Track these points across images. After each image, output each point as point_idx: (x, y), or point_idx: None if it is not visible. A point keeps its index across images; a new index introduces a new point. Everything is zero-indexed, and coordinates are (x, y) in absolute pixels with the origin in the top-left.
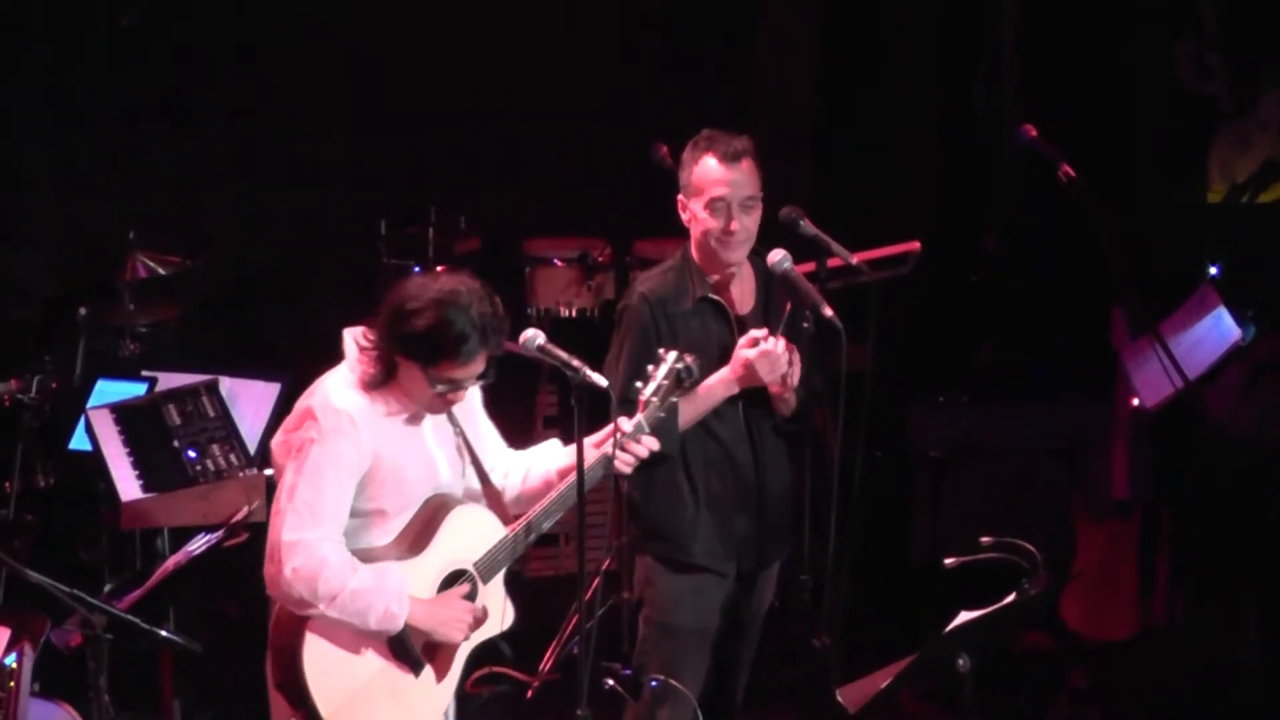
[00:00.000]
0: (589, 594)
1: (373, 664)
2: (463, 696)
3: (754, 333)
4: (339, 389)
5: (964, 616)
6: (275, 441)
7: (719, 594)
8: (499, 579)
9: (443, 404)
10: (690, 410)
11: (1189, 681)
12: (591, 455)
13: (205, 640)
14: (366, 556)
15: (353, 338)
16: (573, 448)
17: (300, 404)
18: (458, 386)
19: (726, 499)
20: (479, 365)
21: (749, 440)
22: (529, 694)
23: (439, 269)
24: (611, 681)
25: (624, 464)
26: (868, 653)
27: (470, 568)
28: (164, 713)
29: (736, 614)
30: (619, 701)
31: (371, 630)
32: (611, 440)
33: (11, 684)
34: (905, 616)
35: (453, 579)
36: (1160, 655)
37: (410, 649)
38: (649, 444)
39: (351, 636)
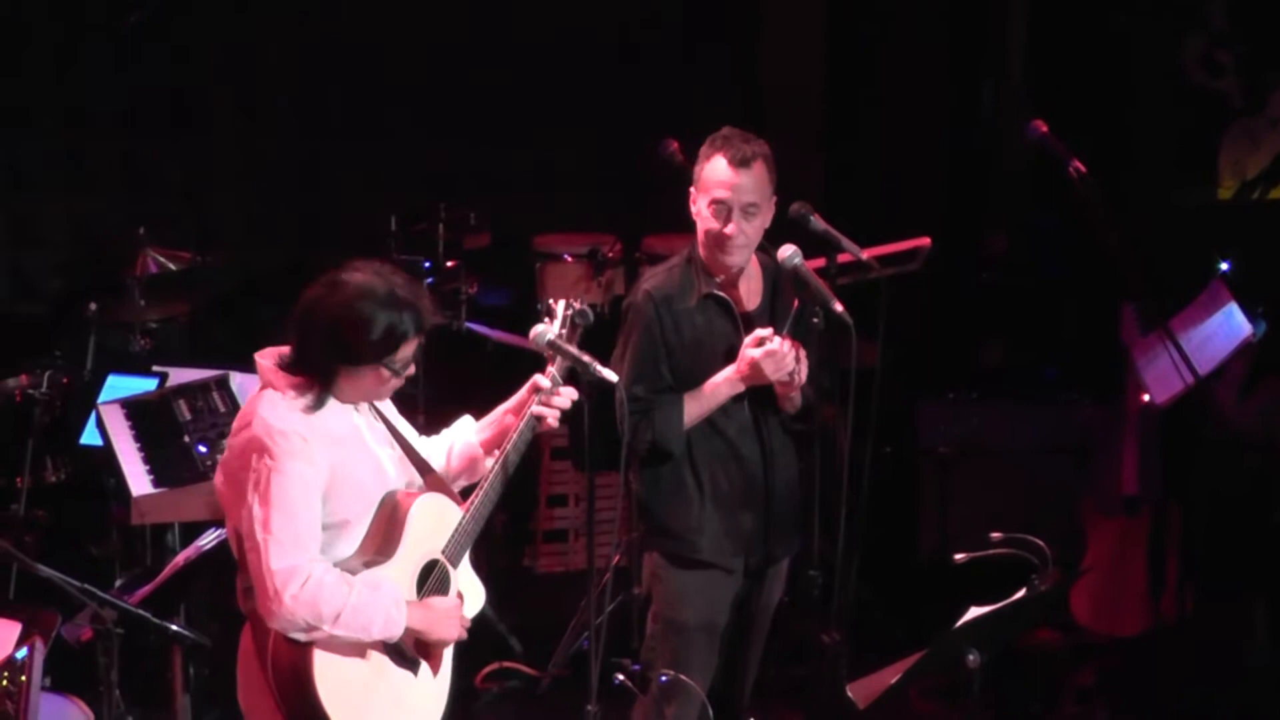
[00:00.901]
0: (598, 590)
1: (377, 674)
2: (473, 692)
3: (759, 332)
4: (277, 412)
5: (974, 612)
6: (217, 480)
7: (727, 589)
8: (466, 559)
9: (398, 385)
10: (696, 408)
11: (1197, 679)
12: (516, 421)
13: (215, 635)
14: (341, 569)
15: (272, 361)
16: (488, 419)
17: (238, 439)
18: (412, 361)
19: (733, 495)
20: (422, 334)
21: (756, 436)
22: (539, 689)
23: (331, 274)
24: (621, 677)
25: (552, 419)
26: (876, 649)
27: (440, 556)
28: (174, 707)
29: (745, 610)
30: (629, 697)
31: (374, 641)
32: (532, 400)
33: (23, 678)
34: (913, 613)
35: (427, 571)
36: (1168, 652)
37: (405, 651)
38: (569, 394)
39: (355, 653)
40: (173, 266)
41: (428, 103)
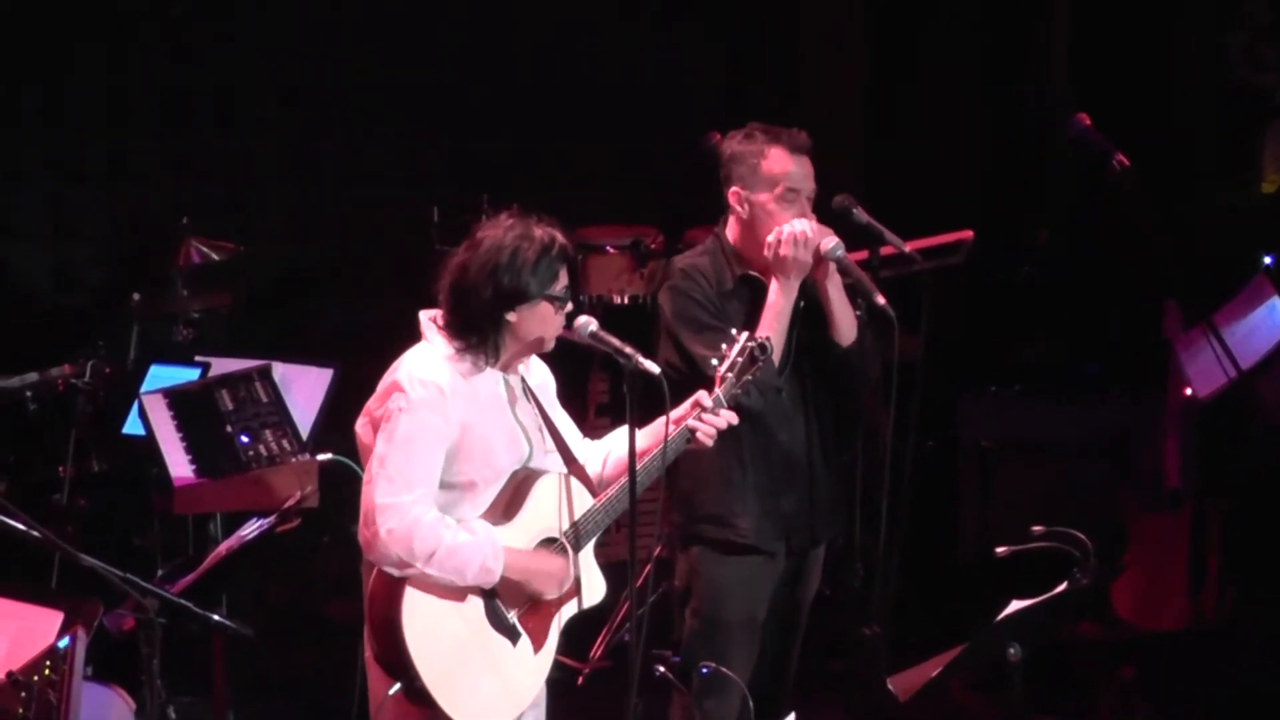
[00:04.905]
0: (640, 581)
1: (470, 631)
2: None
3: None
4: (426, 363)
5: (1015, 606)
6: (360, 424)
7: (767, 579)
8: (589, 550)
9: (561, 323)
10: (775, 335)
11: (1238, 675)
12: (671, 430)
13: (257, 625)
14: None
15: (430, 320)
16: (649, 428)
17: (384, 382)
18: (569, 294)
19: (774, 478)
20: (567, 262)
21: (800, 419)
22: (579, 681)
23: (465, 240)
24: (662, 669)
25: (706, 436)
26: (917, 642)
27: (560, 536)
28: (215, 696)
29: (784, 599)
30: (669, 689)
31: (469, 587)
32: (694, 412)
33: (65, 667)
34: (954, 606)
35: (543, 547)
36: (1209, 647)
37: (505, 617)
38: (728, 417)
39: (449, 604)
40: (216, 257)
41: (471, 94)
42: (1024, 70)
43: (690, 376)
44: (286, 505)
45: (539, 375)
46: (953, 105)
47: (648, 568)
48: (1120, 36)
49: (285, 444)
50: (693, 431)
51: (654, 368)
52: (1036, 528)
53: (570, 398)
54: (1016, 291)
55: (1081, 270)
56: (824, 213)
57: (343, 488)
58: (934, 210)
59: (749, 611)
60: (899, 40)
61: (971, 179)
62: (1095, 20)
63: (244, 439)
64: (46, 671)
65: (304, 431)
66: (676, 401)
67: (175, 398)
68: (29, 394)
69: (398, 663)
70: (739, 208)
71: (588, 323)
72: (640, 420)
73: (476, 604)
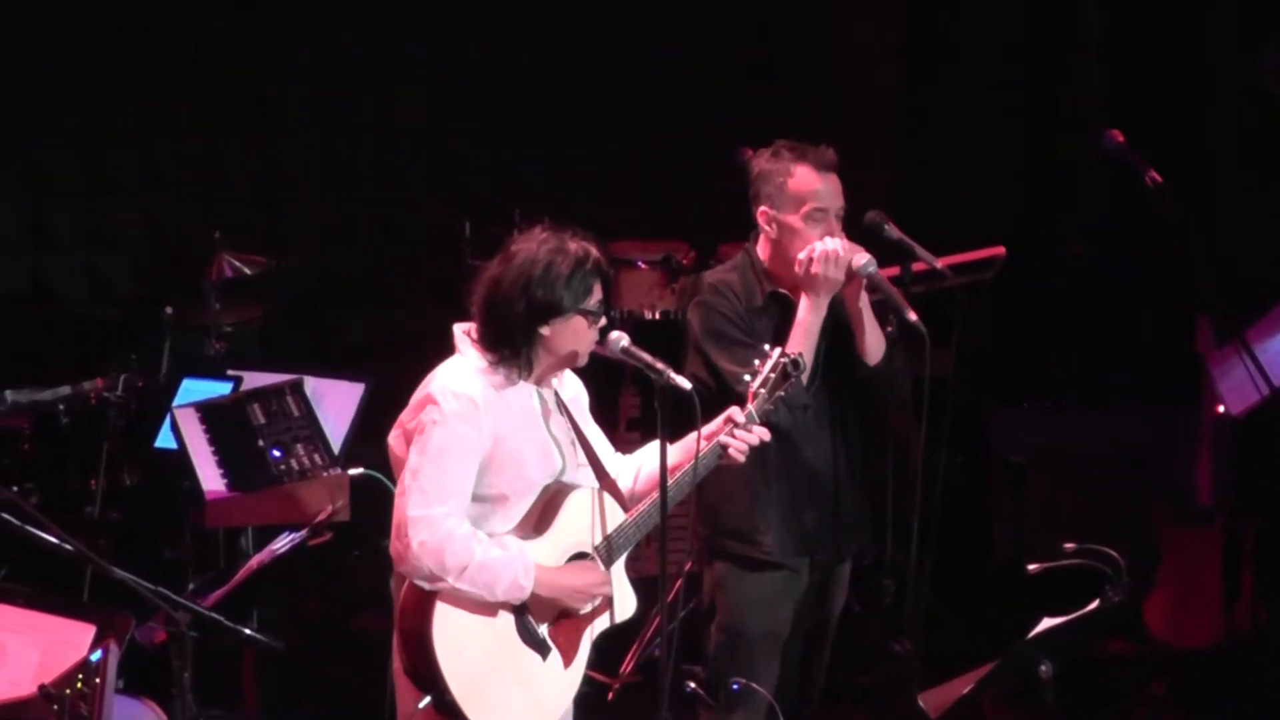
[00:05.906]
0: (670, 596)
1: (500, 645)
2: None
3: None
4: (460, 375)
5: (1047, 623)
6: (392, 436)
7: (790, 595)
8: (620, 565)
9: (594, 338)
10: (805, 352)
11: (1270, 691)
12: (703, 446)
13: (288, 639)
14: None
15: (464, 332)
16: (681, 444)
17: (417, 394)
18: (603, 309)
19: (798, 494)
20: (600, 276)
21: (825, 434)
22: (610, 696)
23: (499, 253)
24: (693, 684)
25: (738, 452)
26: (948, 658)
27: (591, 551)
28: (246, 710)
29: (810, 615)
30: (701, 705)
31: (499, 602)
32: (726, 428)
33: (97, 680)
34: (986, 622)
35: (575, 561)
36: (1242, 664)
37: (535, 631)
38: (760, 433)
39: (479, 617)
40: (248, 270)
41: (503, 107)
42: (1057, 82)
43: (717, 392)
44: (318, 519)
45: (572, 389)
46: (985, 118)
47: (678, 582)
48: (1153, 49)
49: (317, 458)
50: (725, 448)
51: (685, 383)
52: (1068, 544)
53: (601, 412)
54: (1048, 305)
55: (1114, 283)
56: (855, 229)
57: (374, 502)
58: (967, 223)
59: (772, 627)
60: (932, 55)
61: (1004, 191)
62: (1128, 32)
63: (275, 453)
64: (79, 684)
65: (335, 446)
66: (706, 418)
67: (207, 411)
68: (61, 407)
69: (427, 675)
70: (767, 227)
71: (619, 338)
72: (671, 435)
73: (507, 618)
